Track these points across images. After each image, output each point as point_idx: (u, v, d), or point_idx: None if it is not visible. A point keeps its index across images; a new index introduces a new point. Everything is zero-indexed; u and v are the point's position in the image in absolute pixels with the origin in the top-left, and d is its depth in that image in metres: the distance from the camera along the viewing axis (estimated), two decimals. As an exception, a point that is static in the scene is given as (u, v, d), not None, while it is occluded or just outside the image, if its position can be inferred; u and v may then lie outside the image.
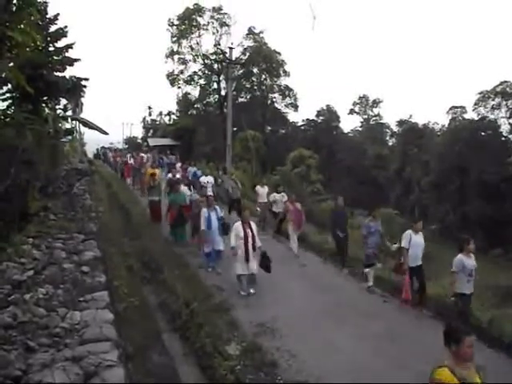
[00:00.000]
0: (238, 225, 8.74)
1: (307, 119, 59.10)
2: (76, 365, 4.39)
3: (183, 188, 13.45)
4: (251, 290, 8.83)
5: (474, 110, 46.16)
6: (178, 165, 23.64)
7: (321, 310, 8.22)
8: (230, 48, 24.74)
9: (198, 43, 44.73)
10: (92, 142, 44.00)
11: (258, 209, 15.23)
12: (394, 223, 22.83)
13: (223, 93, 44.91)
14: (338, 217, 11.52)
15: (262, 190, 15.22)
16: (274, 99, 52.18)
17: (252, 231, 8.73)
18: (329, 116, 58.47)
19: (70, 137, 18.80)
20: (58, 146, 14.24)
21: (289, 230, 12.40)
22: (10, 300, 5.79)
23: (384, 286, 9.63)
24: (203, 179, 16.71)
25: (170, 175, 17.12)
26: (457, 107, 49.76)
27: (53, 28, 12.75)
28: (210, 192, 14.85)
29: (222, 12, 44.44)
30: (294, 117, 60.62)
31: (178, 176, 16.94)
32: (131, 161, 25.92)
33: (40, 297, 5.98)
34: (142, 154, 28.02)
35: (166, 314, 7.57)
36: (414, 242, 8.32)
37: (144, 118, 68.68)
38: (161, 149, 40.10)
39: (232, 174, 18.42)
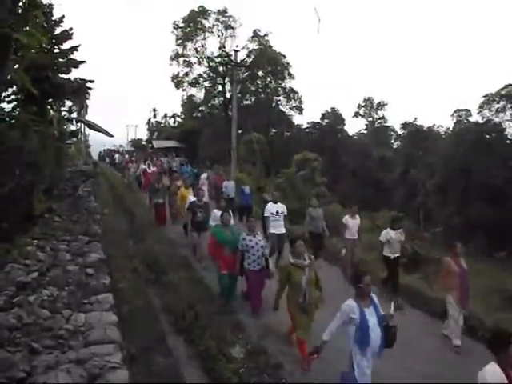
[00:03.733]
0: None
1: (312, 122, 58.94)
2: (80, 367, 4.39)
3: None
4: None
5: (478, 113, 46.04)
6: (204, 176, 17.04)
7: None
8: (235, 50, 24.67)
9: (202, 46, 45.09)
10: (97, 143, 44.20)
11: (344, 250, 10.51)
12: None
13: (228, 95, 45.03)
14: None
15: (353, 222, 10.56)
16: (279, 102, 52.19)
17: None
18: (333, 119, 58.31)
19: (74, 139, 18.97)
20: (62, 147, 14.29)
21: (448, 305, 7.37)
22: (15, 302, 5.80)
23: None
24: (271, 208, 10.30)
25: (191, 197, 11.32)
26: (461, 110, 49.69)
27: (58, 30, 12.91)
28: (283, 230, 10.10)
29: (227, 15, 44.79)
30: (298, 119, 60.65)
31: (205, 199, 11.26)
32: (151, 169, 20.57)
33: (44, 298, 5.99)
34: (162, 159, 25.19)
35: (170, 317, 7.54)
36: None
37: (149, 120, 68.99)
38: (165, 151, 40.10)
39: (313, 197, 13.46)
